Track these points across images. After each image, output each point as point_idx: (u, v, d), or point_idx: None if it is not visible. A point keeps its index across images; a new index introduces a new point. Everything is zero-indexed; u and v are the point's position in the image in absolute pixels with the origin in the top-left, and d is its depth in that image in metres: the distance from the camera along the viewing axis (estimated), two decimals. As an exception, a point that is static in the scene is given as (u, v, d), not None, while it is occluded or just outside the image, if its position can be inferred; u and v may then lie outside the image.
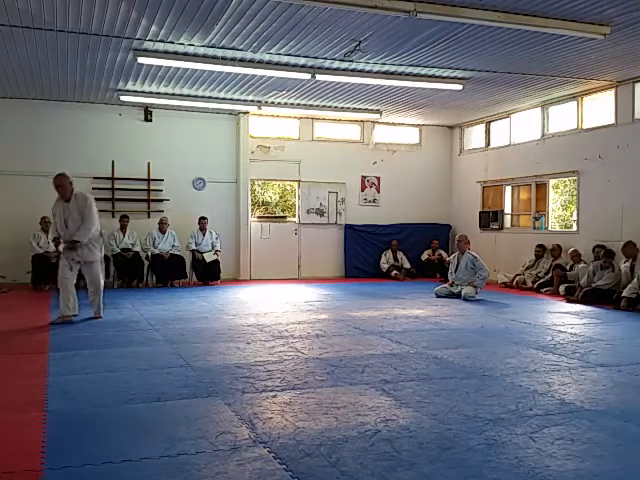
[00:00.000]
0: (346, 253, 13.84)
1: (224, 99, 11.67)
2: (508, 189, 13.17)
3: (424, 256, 13.98)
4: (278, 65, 9.31)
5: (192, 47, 8.47)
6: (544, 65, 9.23)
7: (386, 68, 9.55)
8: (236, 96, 11.50)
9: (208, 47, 8.47)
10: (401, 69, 9.59)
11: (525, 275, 11.72)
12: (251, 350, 5.71)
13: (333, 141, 13.82)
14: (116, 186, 12.15)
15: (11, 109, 11.52)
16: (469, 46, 8.28)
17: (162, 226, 11.81)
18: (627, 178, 10.26)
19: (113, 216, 12.04)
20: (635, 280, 8.69)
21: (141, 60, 8.76)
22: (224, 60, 8.97)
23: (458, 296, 9.94)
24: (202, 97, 11.50)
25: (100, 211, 11.88)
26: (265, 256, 13.20)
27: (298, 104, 12.15)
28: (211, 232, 12.24)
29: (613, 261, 9.50)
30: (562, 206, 15.39)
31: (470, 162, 14.21)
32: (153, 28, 7.65)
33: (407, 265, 13.76)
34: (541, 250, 11.71)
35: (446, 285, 10.36)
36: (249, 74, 9.79)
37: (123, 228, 11.69)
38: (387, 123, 13.99)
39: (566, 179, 12.64)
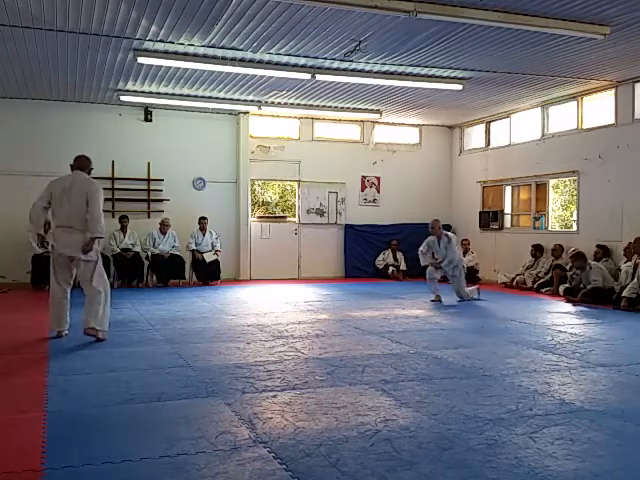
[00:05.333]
0: (346, 253, 13.84)
1: (224, 99, 11.67)
2: (508, 189, 13.17)
3: None
4: (278, 65, 9.31)
5: (192, 47, 8.47)
6: (544, 65, 9.23)
7: (386, 68, 9.55)
8: (236, 96, 11.50)
9: (208, 47, 8.47)
10: (401, 69, 9.59)
11: (525, 275, 11.72)
12: (251, 350, 5.71)
13: (333, 141, 13.81)
14: (116, 186, 12.14)
15: (11, 109, 11.52)
16: (469, 46, 8.28)
17: (163, 227, 11.82)
18: (627, 178, 10.26)
19: (113, 216, 12.03)
20: (635, 280, 8.68)
21: (141, 60, 8.76)
22: (224, 60, 8.97)
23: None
24: (202, 97, 11.50)
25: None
26: (265, 256, 13.20)
27: (298, 104, 12.15)
28: (211, 232, 12.24)
29: (586, 261, 9.51)
30: (562, 206, 15.39)
31: (470, 162, 14.21)
32: (153, 28, 7.65)
33: (403, 266, 13.74)
34: (535, 250, 11.70)
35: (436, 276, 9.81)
36: (249, 74, 9.79)
37: (123, 228, 11.70)
38: (387, 123, 13.99)
39: (566, 179, 12.65)
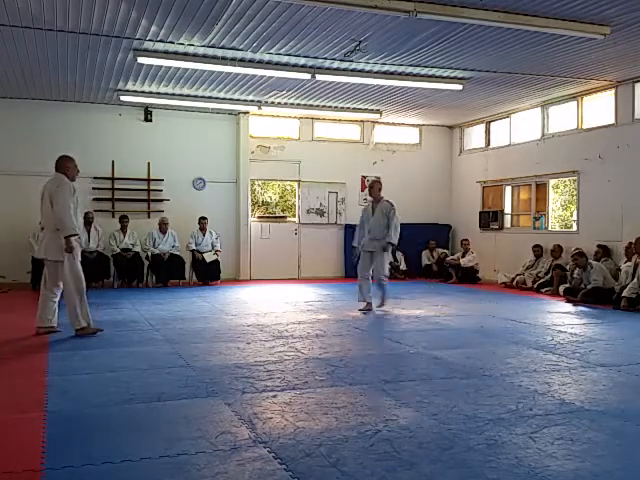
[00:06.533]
0: (346, 253, 13.78)
1: (224, 99, 11.67)
2: (508, 189, 13.17)
3: (424, 261, 13.93)
4: (278, 65, 9.31)
5: (192, 47, 8.47)
6: (544, 65, 9.23)
7: (386, 68, 9.55)
8: (236, 96, 11.50)
9: (208, 47, 8.47)
10: (401, 69, 9.59)
11: (525, 275, 11.71)
12: (251, 350, 5.71)
13: (333, 141, 13.81)
14: (116, 186, 12.15)
15: (11, 109, 11.52)
16: (469, 46, 8.28)
17: (162, 226, 11.82)
18: (627, 178, 10.26)
19: (113, 216, 12.04)
20: (635, 280, 8.68)
21: (141, 60, 8.76)
22: (224, 60, 8.97)
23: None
24: (202, 97, 11.50)
25: (100, 211, 12.07)
26: (265, 256, 13.19)
27: (298, 104, 12.15)
28: (211, 232, 12.24)
29: (587, 260, 9.51)
30: (562, 206, 15.39)
31: (470, 162, 14.21)
32: (153, 28, 7.65)
33: (403, 266, 13.73)
34: (539, 250, 11.70)
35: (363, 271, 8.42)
36: (249, 74, 9.79)
37: (123, 228, 11.70)
38: (387, 123, 13.99)
39: (566, 179, 12.64)
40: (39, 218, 10.83)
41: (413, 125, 14.33)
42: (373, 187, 8.51)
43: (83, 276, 6.46)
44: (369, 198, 8.52)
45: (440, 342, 6.18)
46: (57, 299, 6.54)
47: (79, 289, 6.35)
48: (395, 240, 8.28)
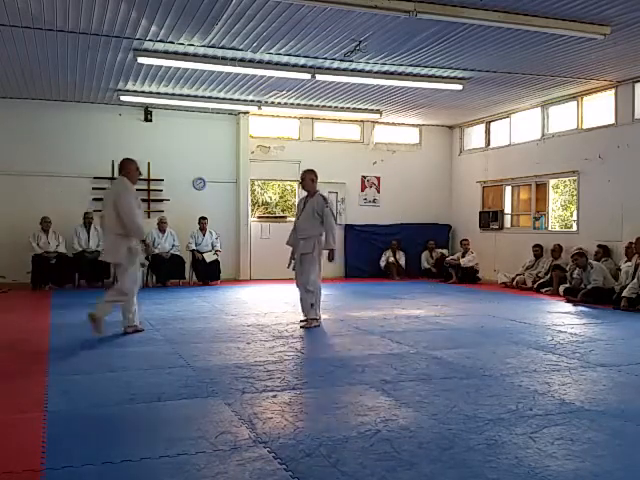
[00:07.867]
0: (346, 253, 13.82)
1: (224, 99, 11.67)
2: (508, 189, 13.17)
3: (424, 263, 13.92)
4: (278, 65, 9.31)
5: (192, 47, 8.47)
6: (544, 65, 9.23)
7: (386, 68, 9.55)
8: (236, 96, 11.50)
9: (208, 47, 8.47)
10: (401, 69, 9.59)
11: (525, 275, 11.71)
12: (251, 350, 5.71)
13: (333, 141, 13.81)
14: (116, 186, 12.14)
15: (11, 109, 11.52)
16: (469, 46, 8.28)
17: (161, 225, 11.82)
18: (627, 178, 10.26)
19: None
20: (635, 280, 8.68)
21: (141, 60, 8.76)
22: (224, 60, 8.97)
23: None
24: (202, 97, 11.50)
25: (100, 211, 12.01)
26: (265, 256, 13.17)
27: (298, 104, 12.15)
28: (211, 232, 12.24)
29: (587, 260, 9.51)
30: (562, 206, 15.39)
31: (470, 162, 14.21)
32: (153, 28, 7.65)
33: (402, 262, 13.76)
34: (539, 250, 11.71)
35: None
36: (249, 74, 9.79)
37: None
38: (387, 123, 13.98)
39: (566, 179, 12.65)
40: (43, 218, 10.85)
41: (413, 125, 14.33)
42: (304, 179, 7.25)
43: (138, 281, 6.61)
44: (304, 192, 7.45)
45: (440, 342, 6.18)
46: (135, 298, 6.55)
47: (128, 291, 6.37)
48: (334, 245, 7.20)
